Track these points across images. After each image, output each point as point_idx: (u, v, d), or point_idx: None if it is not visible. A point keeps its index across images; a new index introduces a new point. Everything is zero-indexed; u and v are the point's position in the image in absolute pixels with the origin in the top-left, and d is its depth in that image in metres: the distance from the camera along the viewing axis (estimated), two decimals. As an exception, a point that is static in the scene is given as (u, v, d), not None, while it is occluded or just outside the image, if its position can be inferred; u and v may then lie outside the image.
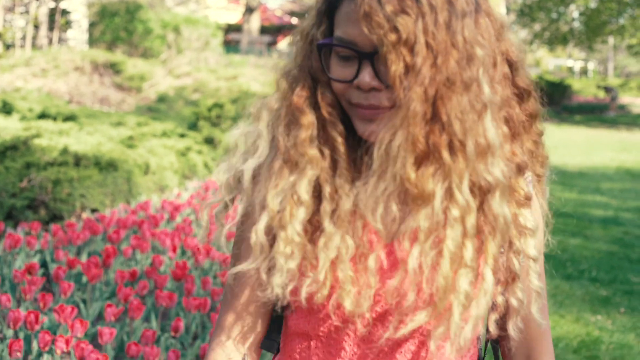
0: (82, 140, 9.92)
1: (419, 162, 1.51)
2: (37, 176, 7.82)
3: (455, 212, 1.53)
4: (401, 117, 1.48)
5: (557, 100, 40.44)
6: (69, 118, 12.26)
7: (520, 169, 1.70)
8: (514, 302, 1.70)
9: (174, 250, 6.38)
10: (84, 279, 5.70)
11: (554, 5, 42.68)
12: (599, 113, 41.54)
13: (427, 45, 1.47)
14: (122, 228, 6.98)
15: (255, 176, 1.69)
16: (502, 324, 1.74)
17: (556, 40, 45.02)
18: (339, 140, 1.63)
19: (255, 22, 47.93)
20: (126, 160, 9.39)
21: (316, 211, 1.64)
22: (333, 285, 1.62)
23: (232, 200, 1.76)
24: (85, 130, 11.09)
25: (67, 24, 31.84)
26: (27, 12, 28.47)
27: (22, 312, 4.05)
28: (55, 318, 4.15)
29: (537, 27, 45.79)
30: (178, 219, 7.99)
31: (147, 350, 4.06)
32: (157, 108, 21.09)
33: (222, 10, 56.99)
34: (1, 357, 4.05)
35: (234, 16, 59.23)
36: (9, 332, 4.31)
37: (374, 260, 1.62)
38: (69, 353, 3.87)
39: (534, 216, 1.74)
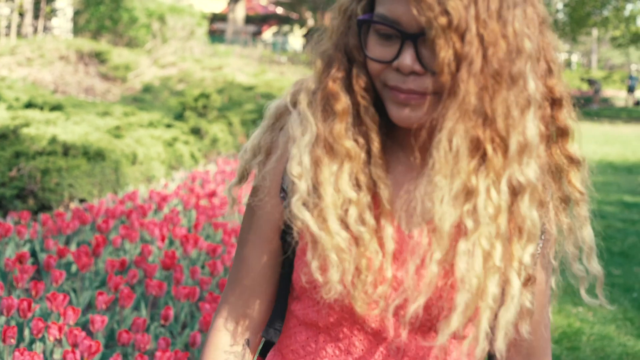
0: (69, 130, 9.94)
1: (467, 157, 1.46)
2: (26, 165, 7.87)
3: (490, 210, 1.48)
4: (458, 110, 1.43)
5: (540, 92, 40.52)
6: (56, 108, 12.28)
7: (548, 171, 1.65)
8: (527, 304, 1.63)
9: (163, 240, 6.45)
10: (74, 268, 5.77)
11: (538, -4, 42.82)
12: (582, 106, 41.61)
13: (479, 34, 1.41)
14: (110, 218, 7.04)
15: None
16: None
17: (540, 32, 45.17)
18: (373, 127, 1.58)
19: (240, 12, 47.92)
20: (114, 150, 9.44)
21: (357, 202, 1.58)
22: (384, 279, 1.58)
23: (248, 174, 1.74)
24: (72, 120, 11.11)
25: (52, 12, 31.74)
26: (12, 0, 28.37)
27: (15, 299, 4.11)
28: (47, 306, 4.22)
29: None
30: (165, 209, 8.06)
31: (138, 337, 4.14)
32: (143, 98, 21.09)
33: (207, -1, 56.85)
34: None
35: (219, 5, 59.14)
36: (1, 320, 4.38)
37: (391, 254, 1.59)
38: (61, 340, 3.95)
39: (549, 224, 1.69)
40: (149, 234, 6.65)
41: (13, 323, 4.41)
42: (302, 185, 1.57)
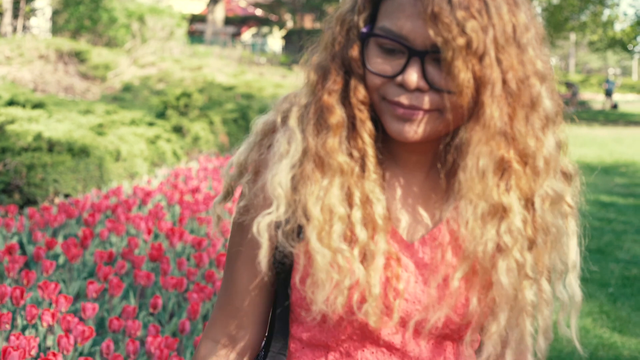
0: (52, 127, 10.00)
1: (493, 177, 1.50)
2: (12, 161, 7.95)
3: (520, 225, 1.51)
4: (484, 134, 1.47)
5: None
6: (38, 105, 12.29)
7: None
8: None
9: (149, 233, 6.55)
10: (61, 260, 5.86)
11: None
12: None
13: (498, 59, 1.43)
14: (96, 212, 7.14)
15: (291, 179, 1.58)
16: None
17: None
18: (369, 141, 1.56)
19: (219, 13, 47.88)
20: (98, 147, 9.52)
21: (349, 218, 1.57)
22: (352, 293, 1.56)
23: (233, 191, 1.71)
24: (55, 118, 11.16)
25: (32, 12, 31.68)
26: (-10, -1, 28.30)
27: (8, 287, 4.20)
28: (40, 294, 4.32)
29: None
30: (150, 205, 8.16)
31: (128, 324, 4.24)
32: (123, 97, 21.11)
33: (186, 0, 56.83)
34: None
35: (198, 6, 59.10)
36: (-7, 308, 4.47)
37: (402, 269, 1.60)
38: (53, 326, 4.05)
39: None
40: (135, 227, 6.75)
41: (5, 311, 4.50)
42: (280, 206, 1.55)
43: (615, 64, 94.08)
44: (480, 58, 1.42)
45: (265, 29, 60.21)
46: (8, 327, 3.90)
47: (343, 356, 1.65)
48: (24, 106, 11.93)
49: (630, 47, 45.85)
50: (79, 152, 8.97)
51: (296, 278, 1.59)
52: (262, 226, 1.56)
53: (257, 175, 1.65)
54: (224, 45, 41.67)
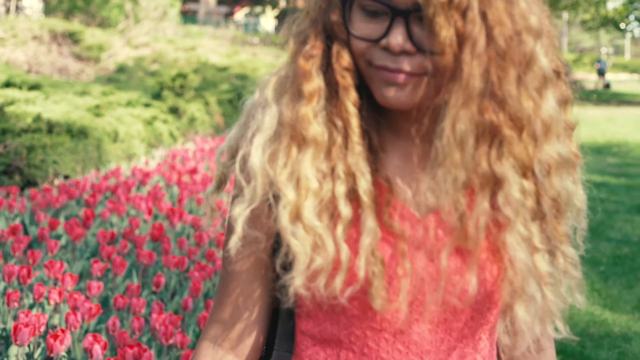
0: (49, 108, 10.09)
1: (479, 143, 1.36)
2: (12, 142, 8.05)
3: (521, 196, 1.39)
4: (462, 95, 1.32)
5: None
6: (34, 87, 12.38)
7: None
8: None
9: (149, 213, 6.66)
10: (63, 240, 5.96)
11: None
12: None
13: (482, 12, 1.30)
14: (97, 193, 7.24)
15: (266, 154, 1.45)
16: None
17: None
18: (353, 111, 1.42)
19: (212, -7, 47.83)
20: (96, 128, 9.62)
21: (331, 193, 1.43)
22: (354, 278, 1.42)
23: (226, 180, 1.56)
24: (52, 99, 11.24)
25: (25, -8, 31.58)
26: (-17, -21, 28.24)
27: (16, 266, 4.31)
28: (45, 273, 4.42)
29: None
30: (148, 186, 8.26)
31: (133, 301, 4.34)
32: (117, 78, 21.17)
33: (179, -21, 56.66)
34: (-4, 309, 4.31)
35: (191, -14, 58.97)
36: (0, 286, 4.57)
37: (405, 245, 1.44)
38: (60, 304, 4.15)
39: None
40: (135, 208, 6.85)
41: (12, 290, 4.61)
42: (257, 187, 1.44)
43: (608, 43, 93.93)
44: (463, 13, 1.29)
45: (258, 9, 60.16)
46: (17, 305, 4.00)
47: (357, 355, 1.50)
48: (20, 88, 12.02)
49: (622, 26, 45.88)
50: (77, 133, 9.07)
51: (277, 263, 1.47)
52: (237, 210, 1.45)
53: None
54: (217, 25, 41.69)
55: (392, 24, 1.34)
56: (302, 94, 1.42)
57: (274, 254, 1.50)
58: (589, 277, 7.65)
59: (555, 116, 1.39)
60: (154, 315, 4.07)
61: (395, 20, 1.34)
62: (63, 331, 3.46)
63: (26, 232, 6.41)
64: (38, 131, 8.66)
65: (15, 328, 3.41)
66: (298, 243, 1.40)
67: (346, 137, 1.43)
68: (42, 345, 3.87)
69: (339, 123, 1.43)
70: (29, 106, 9.94)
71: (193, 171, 9.01)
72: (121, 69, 23.13)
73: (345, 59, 1.41)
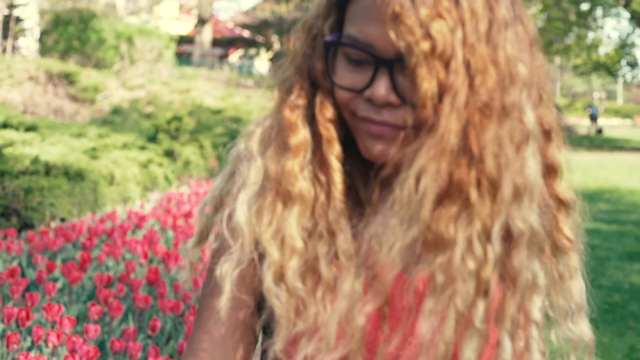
0: (46, 150, 10.16)
1: (439, 201, 1.23)
2: (10, 184, 8.13)
3: (471, 264, 1.23)
4: (434, 148, 1.22)
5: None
6: (31, 128, 12.46)
7: (565, 207, 1.47)
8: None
9: (145, 257, 6.73)
10: (61, 283, 6.03)
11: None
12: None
13: (465, 61, 1.21)
14: (93, 236, 7.32)
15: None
16: None
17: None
18: (336, 165, 1.36)
19: (207, 34, 48.09)
20: (92, 170, 9.71)
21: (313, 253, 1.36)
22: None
23: (208, 233, 1.50)
24: (48, 141, 11.32)
25: (21, 32, 31.73)
26: (-20, 20, 28.38)
27: (15, 309, 4.37)
28: (44, 315, 4.49)
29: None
30: (144, 229, 8.34)
31: (130, 345, 4.41)
32: (112, 120, 21.21)
33: (174, 21, 56.98)
34: (-6, 351, 4.36)
35: (186, 27, 59.28)
36: (-1, 328, 4.64)
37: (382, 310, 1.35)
38: (58, 346, 4.21)
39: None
40: (131, 251, 6.93)
41: (11, 332, 4.67)
42: (245, 245, 1.37)
43: (600, 87, 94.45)
44: (447, 63, 1.21)
45: (252, 51, 60.41)
46: (16, 347, 4.07)
47: None
48: (17, 129, 12.08)
49: (615, 71, 46.15)
50: (74, 176, 9.15)
51: (258, 325, 1.44)
52: (224, 269, 1.38)
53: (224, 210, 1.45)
54: (211, 67, 41.83)
55: (376, 74, 1.27)
56: (288, 147, 1.36)
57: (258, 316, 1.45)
58: (579, 324, 7.71)
59: (532, 178, 1.25)
60: (150, 359, 4.14)
61: (379, 70, 1.27)
62: (62, 374, 3.53)
63: (23, 275, 6.47)
64: (35, 173, 8.76)
65: (16, 371, 3.47)
66: (281, 306, 1.33)
67: (329, 193, 1.36)
68: (41, 387, 3.92)
69: (323, 178, 1.36)
70: (26, 148, 10.01)
71: (188, 215, 9.09)
72: (116, 110, 23.20)
73: (329, 110, 1.36)
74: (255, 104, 27.52)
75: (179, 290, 5.74)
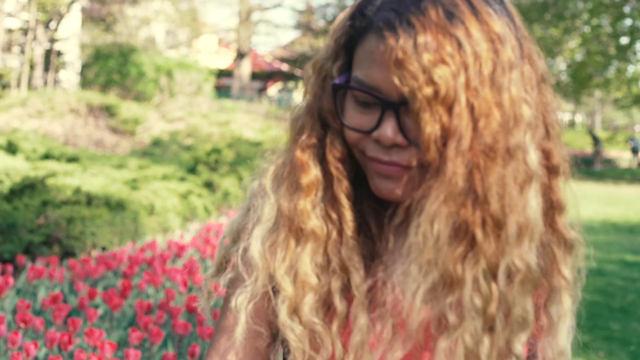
0: (87, 181, 10.29)
1: (449, 243, 1.27)
2: (52, 214, 8.25)
3: (477, 302, 1.26)
4: (443, 192, 1.25)
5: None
6: (72, 159, 12.62)
7: (566, 246, 1.45)
8: None
9: (185, 285, 6.79)
10: (102, 310, 6.10)
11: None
12: (586, 166, 41.76)
13: (469, 105, 1.23)
14: (134, 264, 7.40)
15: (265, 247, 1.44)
16: None
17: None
18: (346, 203, 1.40)
19: (245, 68, 48.37)
20: (133, 201, 9.81)
21: (328, 287, 1.41)
22: None
23: (227, 264, 1.54)
24: (89, 172, 11.46)
25: (62, 65, 32.12)
26: (22, 52, 28.77)
27: (58, 333, 4.44)
28: (85, 340, 4.55)
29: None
30: (184, 258, 8.41)
31: (170, 371, 4.46)
32: (152, 152, 21.38)
33: (213, 55, 57.42)
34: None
35: (225, 61, 59.66)
36: (42, 353, 4.69)
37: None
38: (100, 372, 4.27)
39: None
40: (170, 279, 6.99)
41: (53, 355, 4.73)
42: (259, 278, 1.43)
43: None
44: (450, 107, 1.23)
45: (291, 84, 60.63)
46: (58, 371, 4.13)
47: None
48: (58, 160, 12.24)
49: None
50: (115, 206, 9.26)
51: (271, 355, 1.48)
52: (239, 301, 1.43)
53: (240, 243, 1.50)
54: (250, 100, 42.02)
55: (383, 116, 1.31)
56: (300, 186, 1.41)
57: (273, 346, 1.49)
58: (618, 357, 7.66)
59: (533, 218, 1.28)
60: (191, 384, 4.18)
61: (386, 113, 1.30)
62: (104, 398, 3.58)
63: (65, 301, 6.55)
64: (77, 203, 8.88)
65: (59, 393, 3.53)
66: (296, 339, 1.38)
67: (340, 230, 1.41)
68: (83, 410, 3.97)
69: (334, 215, 1.41)
70: (67, 178, 10.14)
71: (227, 245, 9.13)
72: (156, 142, 23.40)
73: (339, 150, 1.41)
74: (293, 136, 27.54)
75: (217, 317, 5.78)
